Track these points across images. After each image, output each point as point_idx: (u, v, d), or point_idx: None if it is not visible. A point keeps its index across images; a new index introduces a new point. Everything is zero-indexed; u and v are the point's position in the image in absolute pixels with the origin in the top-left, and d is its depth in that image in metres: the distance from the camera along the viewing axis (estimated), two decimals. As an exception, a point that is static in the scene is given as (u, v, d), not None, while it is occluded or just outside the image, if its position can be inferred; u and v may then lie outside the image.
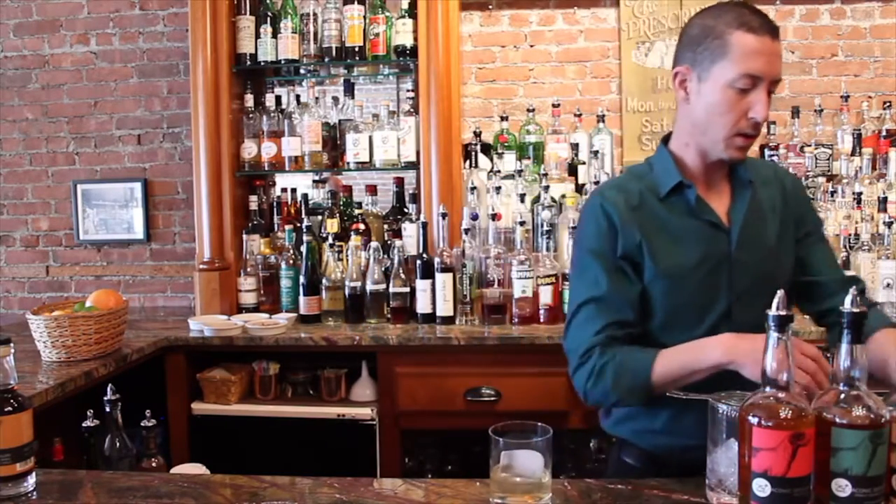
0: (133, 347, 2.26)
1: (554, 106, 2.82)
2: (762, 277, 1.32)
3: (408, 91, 2.73)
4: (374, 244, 2.52)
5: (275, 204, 2.87)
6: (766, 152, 2.73)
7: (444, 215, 2.50)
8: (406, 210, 2.75)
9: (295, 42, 2.70)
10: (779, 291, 0.93)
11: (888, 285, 2.31)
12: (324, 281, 2.57)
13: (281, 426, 2.38)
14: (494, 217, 2.52)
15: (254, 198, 2.77)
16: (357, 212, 2.72)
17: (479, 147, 2.74)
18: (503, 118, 2.87)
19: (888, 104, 2.76)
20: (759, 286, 1.31)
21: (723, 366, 1.18)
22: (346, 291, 2.55)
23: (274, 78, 2.93)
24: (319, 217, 2.73)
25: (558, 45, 3.02)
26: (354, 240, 2.58)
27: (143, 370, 2.32)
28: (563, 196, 2.55)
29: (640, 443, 1.39)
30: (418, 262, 2.47)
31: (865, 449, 0.89)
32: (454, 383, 2.29)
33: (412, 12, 2.63)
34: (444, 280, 2.43)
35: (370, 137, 2.66)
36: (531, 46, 3.03)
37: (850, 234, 2.40)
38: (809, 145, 2.70)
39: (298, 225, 2.68)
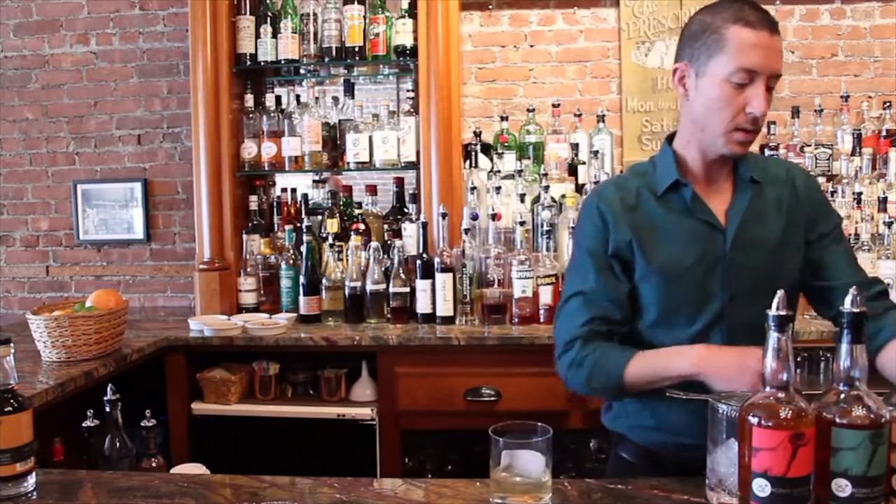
0: (133, 347, 2.26)
1: (554, 106, 2.82)
2: (760, 278, 1.31)
3: (408, 91, 2.73)
4: (374, 244, 2.52)
5: (275, 204, 2.87)
6: (766, 152, 2.73)
7: (444, 215, 2.50)
8: (406, 210, 2.75)
9: (295, 42, 2.70)
10: (779, 291, 0.92)
11: (888, 285, 2.30)
12: (324, 281, 2.57)
13: (281, 426, 2.38)
14: (494, 217, 2.52)
15: (254, 198, 2.77)
16: (357, 212, 2.72)
17: (479, 147, 2.74)
18: (503, 118, 2.87)
19: (888, 104, 2.76)
20: (757, 287, 1.30)
21: (692, 376, 1.20)
22: (346, 291, 2.55)
23: (274, 78, 2.93)
24: (319, 217, 2.73)
25: (558, 45, 3.02)
26: (354, 240, 2.58)
27: (143, 370, 2.32)
28: (563, 196, 2.55)
29: (636, 438, 1.40)
30: (418, 262, 2.47)
31: (865, 449, 0.89)
32: (454, 383, 2.29)
33: (412, 12, 2.63)
34: (444, 280, 2.43)
35: (370, 137, 2.66)
36: (531, 46, 3.03)
37: (850, 234, 2.40)
38: (809, 145, 2.70)
39: (298, 225, 2.68)
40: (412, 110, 2.67)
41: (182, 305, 3.13)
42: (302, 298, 2.56)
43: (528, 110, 2.83)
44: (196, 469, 1.80)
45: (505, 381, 2.27)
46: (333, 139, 2.78)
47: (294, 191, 2.93)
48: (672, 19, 2.93)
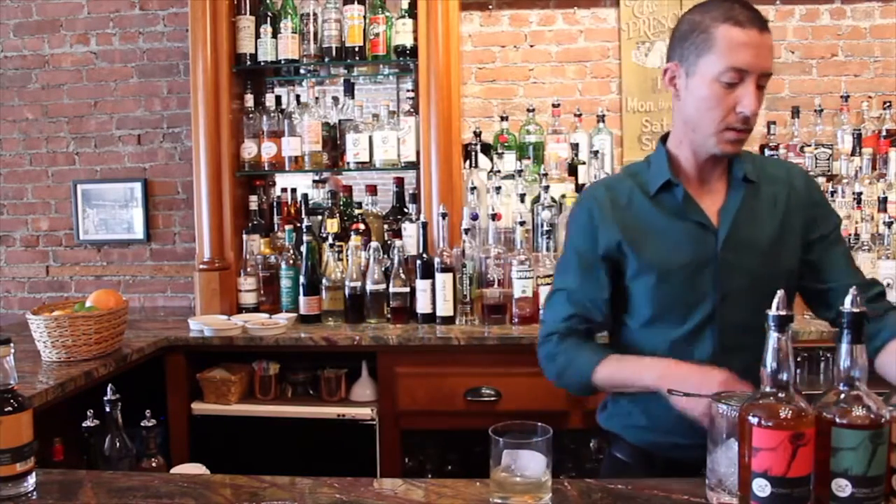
0: (133, 347, 2.26)
1: (554, 106, 2.82)
2: (752, 279, 1.31)
3: (408, 91, 2.73)
4: (374, 244, 2.52)
5: (275, 204, 2.87)
6: (766, 152, 2.74)
7: (444, 215, 2.50)
8: (406, 210, 2.75)
9: (295, 42, 2.70)
10: (779, 292, 0.92)
11: (888, 285, 2.31)
12: (324, 281, 2.57)
13: (281, 426, 2.38)
14: (494, 217, 2.52)
15: (254, 198, 2.77)
16: (357, 212, 2.72)
17: (479, 147, 2.74)
18: (503, 118, 2.87)
19: (888, 104, 2.76)
20: (749, 288, 1.31)
21: (656, 389, 1.22)
22: (346, 291, 2.55)
23: (274, 78, 2.93)
24: (319, 217, 2.73)
25: (558, 45, 3.02)
26: (354, 240, 2.58)
27: (143, 370, 2.32)
28: (563, 196, 2.55)
29: (630, 438, 1.41)
30: (418, 262, 2.47)
31: (865, 449, 0.89)
32: (454, 383, 2.29)
33: (412, 12, 2.63)
34: (444, 280, 2.43)
35: (370, 137, 2.66)
36: (531, 46, 3.03)
37: (850, 234, 2.40)
38: (809, 145, 2.70)
39: (298, 225, 2.68)
40: (412, 110, 2.67)
41: (182, 305, 3.13)
42: (302, 298, 2.56)
43: (528, 110, 2.83)
44: (196, 469, 1.80)
45: (505, 381, 2.27)
46: (333, 139, 2.78)
47: (294, 191, 2.93)
48: (672, 19, 2.93)
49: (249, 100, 2.76)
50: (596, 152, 2.66)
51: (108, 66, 3.18)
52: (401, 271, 2.49)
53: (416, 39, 2.64)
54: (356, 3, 2.64)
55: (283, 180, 3.00)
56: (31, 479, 1.18)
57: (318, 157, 2.72)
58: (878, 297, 1.37)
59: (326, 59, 2.71)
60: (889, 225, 2.35)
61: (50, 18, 3.18)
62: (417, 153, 2.65)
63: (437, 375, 2.31)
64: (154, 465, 1.93)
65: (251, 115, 2.75)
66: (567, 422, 2.24)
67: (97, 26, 3.16)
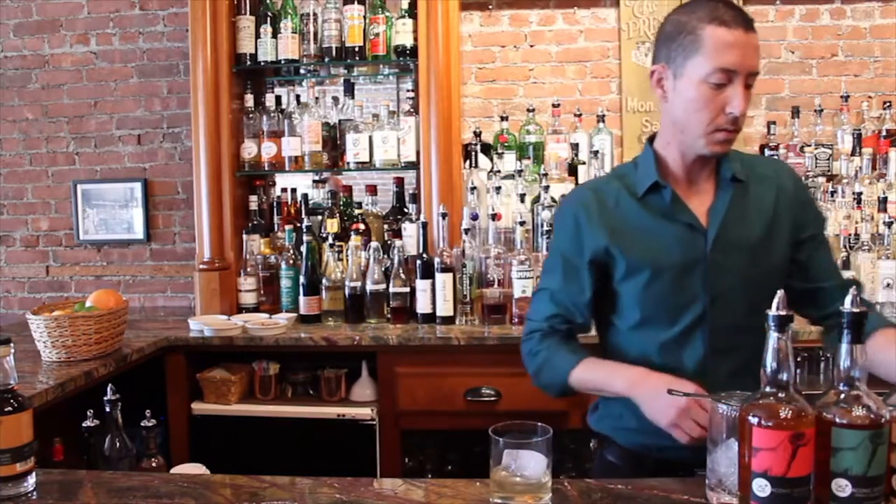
0: (133, 347, 2.26)
1: (554, 106, 2.82)
2: (743, 280, 1.30)
3: (408, 91, 2.73)
4: (374, 244, 2.52)
5: (275, 204, 2.87)
6: (766, 152, 2.74)
7: (444, 215, 2.50)
8: (406, 210, 2.75)
9: (295, 42, 2.71)
10: (779, 292, 0.92)
11: (888, 285, 2.31)
12: (324, 281, 2.57)
13: (281, 426, 2.38)
14: (494, 217, 2.52)
15: (254, 198, 2.77)
16: (357, 212, 2.72)
17: (479, 147, 2.74)
18: (503, 118, 2.87)
19: (888, 104, 2.76)
20: (739, 288, 1.30)
21: (627, 396, 1.25)
22: (346, 291, 2.55)
23: (274, 78, 2.93)
24: (319, 217, 2.73)
25: (558, 45, 3.02)
26: (354, 240, 2.58)
27: (143, 370, 2.32)
28: (563, 196, 2.55)
29: (619, 440, 1.41)
30: (418, 262, 2.47)
31: (865, 449, 0.89)
32: (454, 383, 2.29)
33: (412, 12, 2.63)
34: (444, 280, 2.43)
35: (370, 137, 2.66)
36: (531, 46, 3.03)
37: (850, 234, 2.40)
38: (809, 145, 2.70)
39: (298, 225, 2.68)
40: (412, 110, 2.67)
41: (182, 305, 3.13)
42: (302, 298, 2.56)
43: (528, 110, 2.83)
44: (196, 469, 1.80)
45: (505, 381, 2.27)
46: (333, 139, 2.78)
47: (294, 191, 2.93)
48: (672, 19, 2.93)
49: (249, 100, 2.76)
50: (596, 152, 2.66)
51: (108, 66, 3.18)
52: (401, 271, 2.49)
53: (416, 39, 2.64)
54: (356, 3, 2.64)
55: (283, 180, 3.00)
56: (31, 479, 1.18)
57: (318, 157, 2.72)
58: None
59: (326, 59, 2.71)
60: (889, 225, 2.36)
61: (50, 18, 3.18)
62: (417, 153, 2.65)
63: (437, 375, 2.31)
64: (154, 465, 1.93)
65: (251, 115, 2.75)
66: (567, 422, 2.23)
67: (97, 26, 3.16)
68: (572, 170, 2.73)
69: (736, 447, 0.95)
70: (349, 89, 2.81)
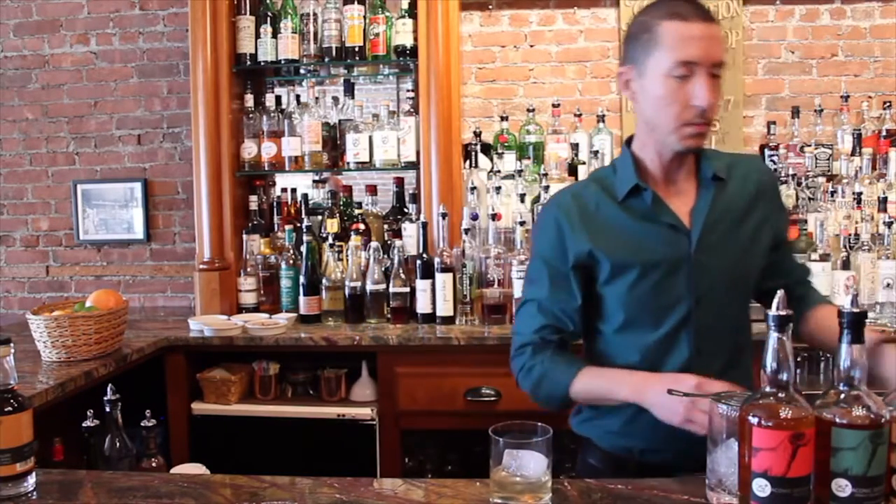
0: (133, 347, 2.26)
1: (554, 106, 2.82)
2: (727, 280, 1.30)
3: (408, 91, 2.73)
4: (374, 244, 2.52)
5: (275, 204, 2.87)
6: (767, 152, 2.74)
7: (444, 215, 2.50)
8: (406, 210, 2.75)
9: (295, 42, 2.71)
10: (779, 292, 0.92)
11: (888, 285, 2.31)
12: (324, 281, 2.57)
13: (281, 426, 2.38)
14: (494, 217, 2.52)
15: (254, 198, 2.77)
16: (357, 212, 2.72)
17: (479, 147, 2.74)
18: (503, 118, 2.87)
19: (888, 104, 2.76)
20: (723, 289, 1.30)
21: (632, 402, 1.22)
22: (346, 291, 2.55)
23: (274, 78, 2.93)
24: (319, 217, 2.73)
25: (558, 45, 3.02)
26: (354, 240, 2.58)
27: (143, 370, 2.32)
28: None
29: (601, 443, 1.39)
30: (418, 262, 2.47)
31: (865, 449, 0.88)
32: (454, 383, 2.29)
33: (412, 12, 2.63)
34: (444, 280, 2.43)
35: (370, 137, 2.66)
36: (531, 46, 3.03)
37: (850, 234, 2.40)
38: (809, 145, 2.70)
39: (298, 225, 2.68)
40: (412, 110, 2.67)
41: (182, 305, 3.13)
42: (302, 298, 2.56)
43: (528, 110, 2.83)
44: (196, 469, 1.80)
45: (505, 381, 2.26)
46: (333, 139, 2.78)
47: (294, 191, 2.93)
48: (672, 19, 2.93)
49: (249, 100, 2.76)
50: (596, 152, 2.66)
51: (108, 66, 3.18)
52: (401, 271, 2.49)
53: (416, 39, 2.64)
54: (356, 3, 2.64)
55: (283, 180, 3.00)
56: (31, 479, 1.18)
57: (318, 157, 2.72)
58: (808, 283, 1.46)
59: (326, 59, 2.71)
60: (889, 225, 2.36)
61: (50, 18, 3.18)
62: (417, 153, 2.65)
63: (437, 375, 2.31)
64: (154, 465, 1.93)
65: (251, 115, 2.75)
66: (567, 422, 2.23)
67: (97, 26, 3.16)
68: (572, 170, 2.73)
69: (736, 447, 0.95)
70: (349, 89, 2.81)
